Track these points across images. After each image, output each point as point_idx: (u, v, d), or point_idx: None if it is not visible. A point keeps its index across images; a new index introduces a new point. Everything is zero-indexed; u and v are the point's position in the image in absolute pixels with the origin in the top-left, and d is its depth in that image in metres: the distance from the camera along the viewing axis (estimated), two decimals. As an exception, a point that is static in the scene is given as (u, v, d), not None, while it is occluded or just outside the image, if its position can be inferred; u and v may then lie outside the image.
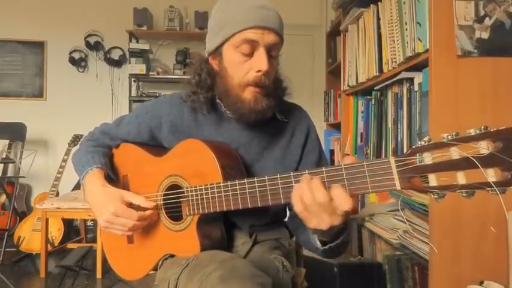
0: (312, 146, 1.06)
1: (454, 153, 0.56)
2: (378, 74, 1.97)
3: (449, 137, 0.56)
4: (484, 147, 0.54)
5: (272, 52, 0.92)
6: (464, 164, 0.56)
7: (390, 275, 1.85)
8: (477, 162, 0.54)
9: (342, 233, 0.79)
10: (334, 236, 0.78)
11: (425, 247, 1.51)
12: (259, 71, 0.89)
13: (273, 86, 0.95)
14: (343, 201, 0.66)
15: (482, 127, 0.54)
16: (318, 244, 0.83)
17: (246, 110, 0.93)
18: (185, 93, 1.02)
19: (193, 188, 0.90)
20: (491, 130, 0.54)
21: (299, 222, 0.98)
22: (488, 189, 0.55)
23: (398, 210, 1.75)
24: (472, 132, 0.55)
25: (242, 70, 0.91)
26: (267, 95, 0.93)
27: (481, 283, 1.39)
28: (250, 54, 0.90)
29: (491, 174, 0.54)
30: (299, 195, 0.70)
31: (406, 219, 1.66)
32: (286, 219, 1.11)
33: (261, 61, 0.89)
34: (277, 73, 1.00)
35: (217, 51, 0.95)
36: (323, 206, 0.67)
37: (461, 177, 0.57)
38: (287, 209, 1.07)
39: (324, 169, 0.70)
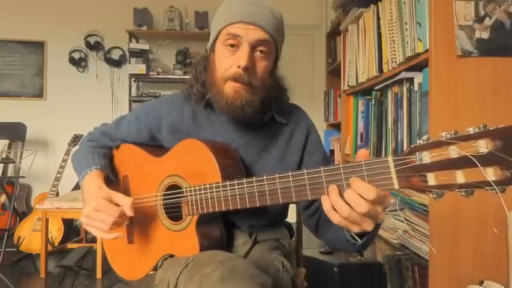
0: (314, 146, 1.05)
1: (453, 152, 0.56)
2: (378, 74, 1.97)
3: (448, 136, 0.56)
4: (483, 146, 0.53)
5: (259, 49, 0.91)
6: (463, 162, 0.55)
7: (390, 275, 1.85)
8: (476, 161, 0.53)
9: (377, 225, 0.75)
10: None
11: (425, 247, 1.51)
12: (239, 66, 0.89)
13: (261, 85, 0.93)
14: (366, 192, 0.63)
15: (481, 125, 0.54)
16: (357, 240, 0.78)
17: (223, 104, 0.93)
18: (184, 88, 1.05)
19: (192, 188, 0.90)
20: (491, 128, 0.54)
21: (322, 221, 0.98)
22: (487, 188, 0.54)
23: (398, 210, 1.75)
24: (471, 130, 0.54)
25: (226, 64, 0.91)
26: (252, 93, 0.92)
27: (481, 283, 1.39)
28: (235, 50, 0.90)
29: (491, 173, 0.54)
30: (337, 210, 0.67)
31: (406, 219, 1.66)
32: (302, 219, 1.09)
33: (240, 57, 0.89)
34: (276, 74, 1.00)
35: (212, 47, 0.97)
36: (367, 213, 0.65)
37: (460, 176, 0.56)
38: (300, 209, 1.06)
39: (322, 169, 0.70)
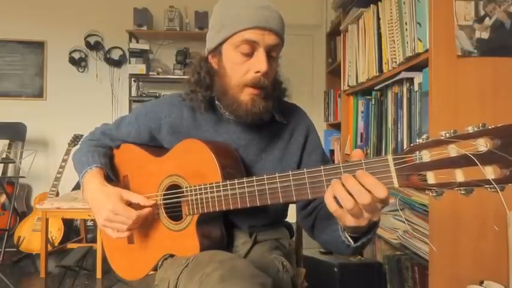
0: (314, 146, 1.06)
1: (452, 150, 0.56)
2: (378, 74, 1.97)
3: (448, 135, 0.56)
4: (483, 145, 0.54)
5: (272, 53, 0.92)
6: (463, 161, 0.56)
7: (390, 275, 1.85)
8: (475, 160, 0.54)
9: (374, 226, 0.75)
10: (367, 229, 0.75)
11: (425, 247, 1.51)
12: (258, 71, 0.89)
13: (271, 88, 0.94)
14: (378, 189, 0.62)
15: (480, 124, 0.54)
16: (351, 242, 0.78)
17: (243, 112, 0.92)
18: (184, 92, 1.02)
19: (192, 188, 0.90)
20: (490, 127, 0.54)
21: (318, 221, 0.97)
22: (486, 186, 0.54)
23: (398, 210, 1.75)
24: (470, 129, 0.55)
25: (241, 70, 0.90)
26: (265, 97, 0.93)
27: (481, 283, 1.39)
28: (249, 55, 0.89)
29: (490, 172, 0.54)
30: (337, 196, 0.65)
31: (406, 219, 1.66)
32: (298, 219, 1.07)
33: (260, 62, 0.88)
34: (277, 74, 1.00)
35: (217, 50, 0.95)
36: (367, 205, 0.64)
37: (459, 175, 0.56)
38: (298, 209, 1.05)
39: (322, 168, 0.70)
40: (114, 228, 0.95)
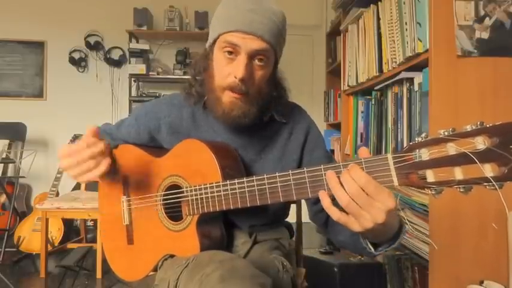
0: (315, 144, 1.05)
1: (451, 149, 0.56)
2: (378, 74, 1.97)
3: (446, 133, 0.56)
4: (481, 143, 0.54)
5: (257, 58, 0.89)
6: (462, 159, 0.56)
7: (390, 275, 1.85)
8: (474, 158, 0.54)
9: (397, 236, 0.74)
10: (390, 238, 0.74)
11: (425, 247, 1.51)
12: (236, 77, 0.88)
13: (257, 93, 0.92)
14: (356, 175, 0.65)
15: (479, 123, 0.54)
16: (372, 249, 0.77)
17: (220, 113, 0.92)
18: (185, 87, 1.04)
19: (193, 188, 0.90)
20: (488, 125, 0.54)
21: (332, 220, 0.98)
22: (485, 184, 0.55)
23: (399, 210, 1.75)
24: (469, 128, 0.55)
25: (223, 72, 0.90)
26: (247, 102, 0.91)
27: (481, 283, 1.39)
28: (233, 58, 0.89)
29: (489, 170, 0.54)
30: (337, 198, 0.67)
31: (406, 219, 1.66)
32: (310, 215, 1.05)
33: (237, 67, 0.87)
34: (277, 74, 1.00)
35: (211, 48, 0.96)
36: (357, 197, 0.65)
37: (458, 173, 0.57)
38: (310, 205, 1.03)
39: (322, 167, 0.70)
40: (79, 171, 0.85)
